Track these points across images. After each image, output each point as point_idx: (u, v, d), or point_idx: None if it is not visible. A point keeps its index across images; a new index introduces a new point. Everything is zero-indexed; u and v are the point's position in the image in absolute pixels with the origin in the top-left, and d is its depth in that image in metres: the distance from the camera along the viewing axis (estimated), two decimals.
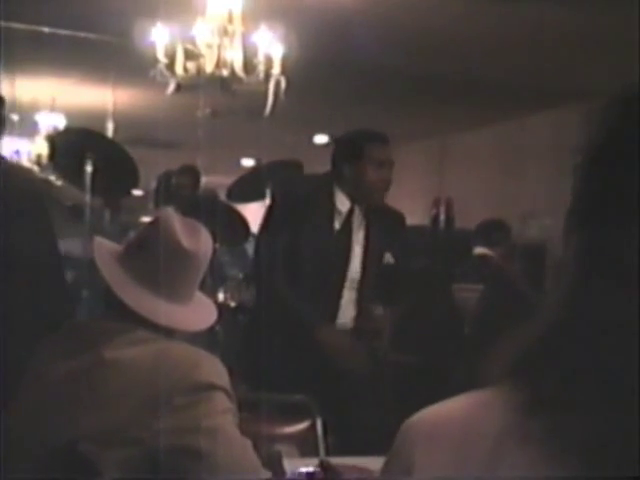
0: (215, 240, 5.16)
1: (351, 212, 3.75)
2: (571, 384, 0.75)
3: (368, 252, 3.79)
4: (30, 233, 2.92)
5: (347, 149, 3.81)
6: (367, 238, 3.79)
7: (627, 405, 0.72)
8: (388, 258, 3.83)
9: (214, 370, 2.00)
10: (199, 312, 2.18)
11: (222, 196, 6.41)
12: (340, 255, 3.74)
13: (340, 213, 3.74)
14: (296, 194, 3.76)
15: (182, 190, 6.17)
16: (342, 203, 3.74)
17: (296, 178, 3.97)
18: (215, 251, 5.17)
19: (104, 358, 1.98)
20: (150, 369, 1.95)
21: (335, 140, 4.00)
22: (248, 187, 5.98)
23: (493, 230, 5.25)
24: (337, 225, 3.74)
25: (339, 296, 3.75)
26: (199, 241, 2.13)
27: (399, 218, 3.97)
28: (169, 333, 2.05)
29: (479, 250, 5.10)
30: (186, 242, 2.09)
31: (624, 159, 0.76)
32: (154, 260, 2.10)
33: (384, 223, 3.85)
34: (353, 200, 3.75)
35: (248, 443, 2.00)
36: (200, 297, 2.22)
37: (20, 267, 2.87)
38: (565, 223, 0.82)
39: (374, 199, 3.78)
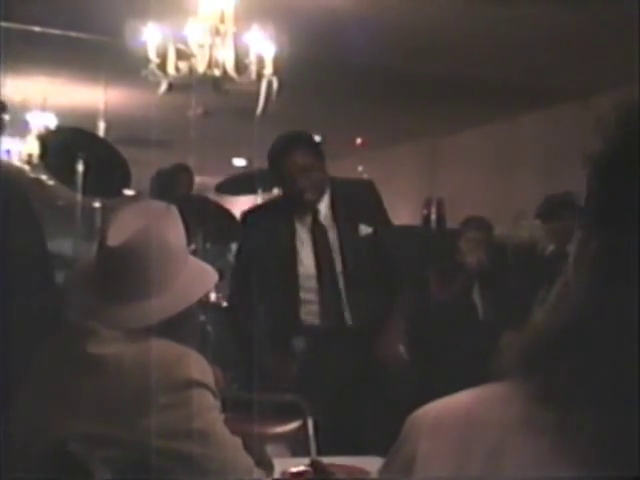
0: (205, 238, 5.17)
1: (315, 212, 3.81)
2: (583, 378, 0.76)
3: (342, 231, 3.80)
4: (20, 235, 2.91)
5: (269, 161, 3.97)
6: (337, 219, 3.82)
7: (637, 400, 0.73)
8: (365, 229, 3.81)
9: (197, 367, 1.97)
10: (169, 302, 2.03)
11: (213, 196, 6.41)
12: (324, 255, 3.78)
13: (305, 218, 3.81)
14: (256, 225, 3.88)
15: (175, 189, 6.17)
16: (303, 207, 3.82)
17: (258, 208, 4.05)
18: (200, 243, 5.15)
19: (88, 353, 1.97)
20: (132, 367, 1.93)
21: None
22: (238, 182, 5.99)
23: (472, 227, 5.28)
24: (305, 232, 3.80)
25: (337, 292, 3.77)
26: (138, 235, 2.01)
27: (365, 186, 4.00)
28: (152, 330, 1.99)
29: None
30: (111, 240, 2.01)
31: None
32: (96, 264, 2.09)
33: (350, 197, 3.86)
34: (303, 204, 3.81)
35: (238, 442, 1.99)
36: (177, 286, 2.05)
37: (9, 269, 2.86)
38: (581, 222, 0.83)
39: (304, 203, 3.81)
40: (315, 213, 3.82)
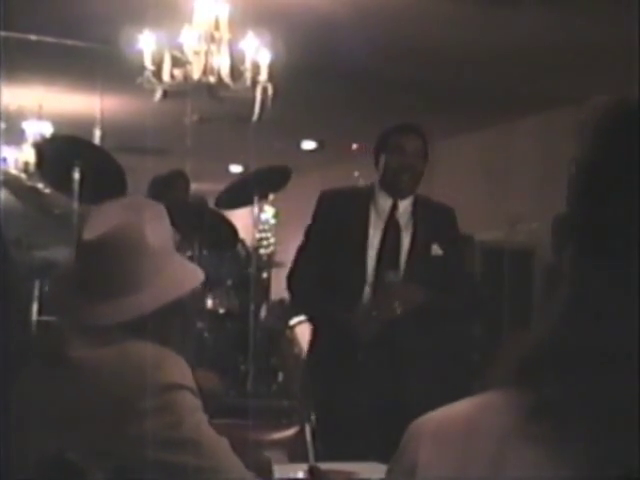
0: (202, 244, 5.17)
1: (394, 207, 3.86)
2: (576, 388, 0.76)
3: (415, 243, 3.87)
4: None
5: (377, 144, 3.98)
6: (414, 231, 3.88)
7: (631, 410, 0.73)
8: (436, 250, 3.87)
9: (176, 369, 1.93)
10: (145, 299, 1.99)
11: (210, 202, 6.41)
12: (389, 250, 3.83)
13: (381, 211, 3.86)
14: (333, 205, 3.94)
15: (172, 195, 6.17)
16: (384, 200, 3.88)
17: (337, 190, 4.08)
18: (196, 250, 5.15)
19: (69, 357, 1.95)
20: (111, 371, 1.91)
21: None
22: (236, 194, 5.99)
23: None
24: (380, 222, 3.85)
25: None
26: (105, 229, 1.97)
27: (447, 212, 4.07)
28: (136, 331, 1.96)
29: None
30: (86, 234, 1.98)
31: (620, 169, 0.77)
32: (75, 261, 2.06)
33: (431, 216, 3.94)
34: (389, 193, 3.88)
35: (225, 444, 1.94)
36: (156, 283, 2.01)
37: None
38: (560, 230, 0.83)
39: (398, 186, 3.88)
40: (394, 208, 3.87)
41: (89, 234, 1.98)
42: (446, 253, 3.88)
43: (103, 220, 2.00)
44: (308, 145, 10.33)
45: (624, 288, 0.76)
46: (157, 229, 2.05)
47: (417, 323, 3.81)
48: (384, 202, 3.87)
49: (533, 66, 6.86)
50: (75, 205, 4.94)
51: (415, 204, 3.91)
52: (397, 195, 3.88)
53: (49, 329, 2.15)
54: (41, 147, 5.84)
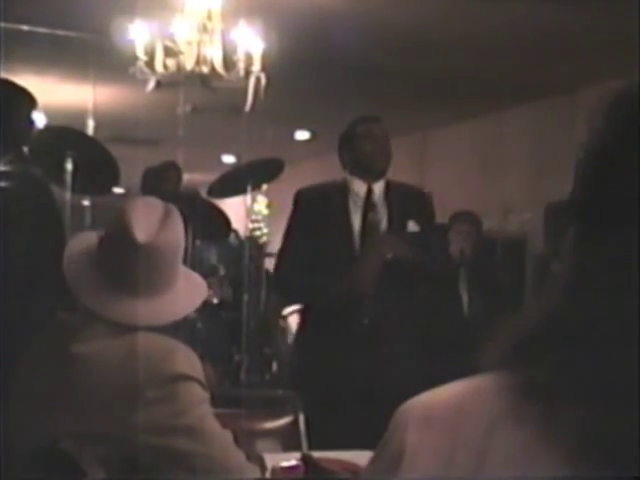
0: (195, 235, 5.20)
1: (369, 190, 3.98)
2: (566, 370, 0.76)
3: (392, 222, 3.99)
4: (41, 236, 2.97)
5: (343, 137, 4.16)
6: (389, 211, 4.00)
7: (621, 392, 0.74)
8: (412, 226, 3.99)
9: (186, 360, 1.97)
10: (175, 303, 2.07)
11: (203, 193, 6.41)
12: (369, 230, 3.96)
13: (358, 197, 3.98)
14: (311, 201, 4.06)
15: (164, 186, 6.17)
16: (359, 186, 4.00)
17: (313, 187, 4.16)
18: (190, 241, 5.18)
19: (71, 353, 1.97)
20: (119, 362, 1.93)
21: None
22: (228, 183, 5.99)
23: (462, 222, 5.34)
24: (358, 208, 3.97)
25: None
26: (159, 232, 2.02)
27: (421, 194, 4.20)
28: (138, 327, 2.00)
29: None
30: (140, 235, 2.00)
31: (628, 156, 0.77)
32: (113, 256, 2.06)
33: (404, 198, 4.05)
34: (363, 179, 4.00)
35: (229, 437, 1.98)
36: (180, 287, 2.09)
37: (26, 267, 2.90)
38: (559, 215, 0.83)
39: (372, 169, 4.00)
40: (369, 192, 3.99)
41: (142, 236, 2.00)
42: (422, 229, 3.99)
43: (151, 222, 2.03)
44: (302, 135, 10.32)
45: (620, 272, 0.76)
46: (182, 231, 2.11)
47: (409, 308, 3.90)
48: (359, 188, 3.99)
49: (527, 56, 6.86)
50: (68, 195, 4.93)
51: (387, 188, 4.03)
52: (371, 179, 4.00)
53: (58, 321, 2.15)
54: (34, 138, 5.82)
